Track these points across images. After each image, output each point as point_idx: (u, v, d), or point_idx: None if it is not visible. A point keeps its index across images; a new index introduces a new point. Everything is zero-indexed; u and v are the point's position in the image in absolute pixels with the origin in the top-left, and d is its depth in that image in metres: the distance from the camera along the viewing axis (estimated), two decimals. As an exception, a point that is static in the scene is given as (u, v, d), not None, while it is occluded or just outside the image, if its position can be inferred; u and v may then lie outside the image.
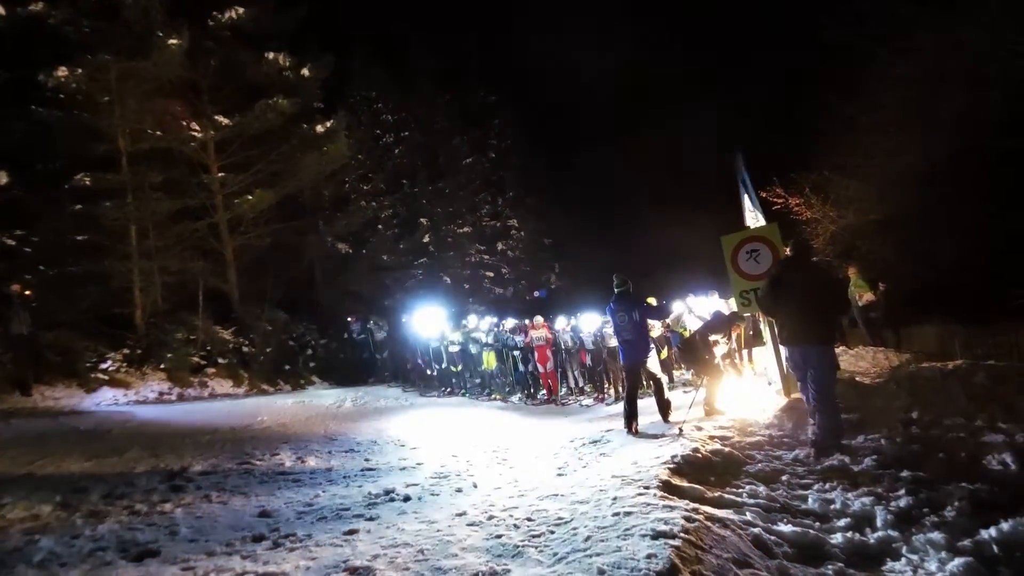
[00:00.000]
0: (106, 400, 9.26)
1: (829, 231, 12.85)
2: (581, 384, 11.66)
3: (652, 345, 6.64)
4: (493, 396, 11.81)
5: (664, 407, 6.50)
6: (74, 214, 10.75)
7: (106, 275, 11.20)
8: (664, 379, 7.00)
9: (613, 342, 10.86)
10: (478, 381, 12.72)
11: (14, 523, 3.58)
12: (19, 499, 4.02)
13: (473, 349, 12.25)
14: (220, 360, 11.90)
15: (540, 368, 11.38)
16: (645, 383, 7.42)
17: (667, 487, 3.72)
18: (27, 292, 8.89)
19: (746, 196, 7.48)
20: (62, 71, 10.46)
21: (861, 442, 4.67)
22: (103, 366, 10.09)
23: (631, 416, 6.17)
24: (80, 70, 10.64)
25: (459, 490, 4.39)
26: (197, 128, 12.88)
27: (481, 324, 12.95)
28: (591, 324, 11.59)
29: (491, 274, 23.73)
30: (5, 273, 9.48)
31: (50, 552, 3.10)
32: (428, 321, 12.96)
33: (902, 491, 3.54)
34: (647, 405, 6.89)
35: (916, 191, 11.08)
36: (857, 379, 7.08)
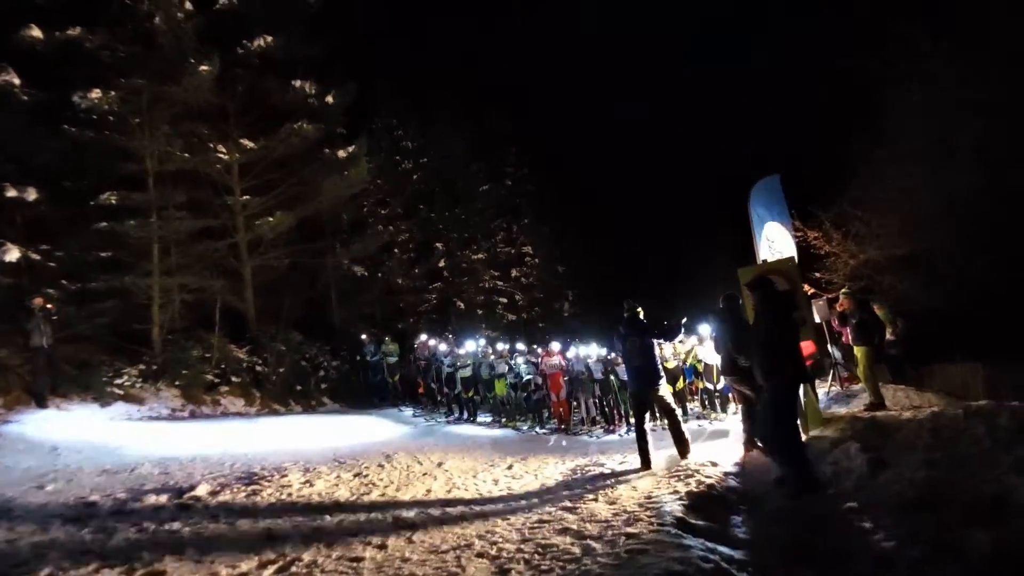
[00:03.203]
0: (120, 415, 9.32)
1: (849, 266, 12.67)
2: (594, 414, 11.53)
3: (662, 374, 6.43)
4: (504, 423, 11.72)
5: (681, 441, 6.24)
6: (99, 231, 10.98)
7: (127, 291, 11.37)
8: (678, 411, 6.84)
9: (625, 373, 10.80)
10: (489, 407, 12.65)
11: (24, 535, 3.58)
12: (30, 512, 4.04)
13: (485, 375, 12.21)
14: (234, 379, 11.96)
15: (553, 396, 11.29)
16: (659, 415, 7.25)
17: (682, 524, 3.63)
18: (49, 306, 9.03)
19: (773, 225, 7.41)
20: (96, 93, 10.81)
21: (881, 482, 4.53)
22: (118, 381, 10.18)
23: (643, 449, 6.03)
24: (113, 93, 10.99)
25: (467, 519, 4.32)
26: (223, 151, 13.20)
27: (495, 350, 12.94)
28: (599, 352, 11.55)
29: (504, 300, 23.77)
30: (29, 287, 9.67)
31: (58, 567, 3.09)
32: (441, 346, 12.97)
33: (924, 535, 3.42)
34: (663, 437, 6.76)
35: (937, 225, 10.94)
36: (878, 417, 6.91)
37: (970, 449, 5.12)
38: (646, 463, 5.94)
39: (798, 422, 4.87)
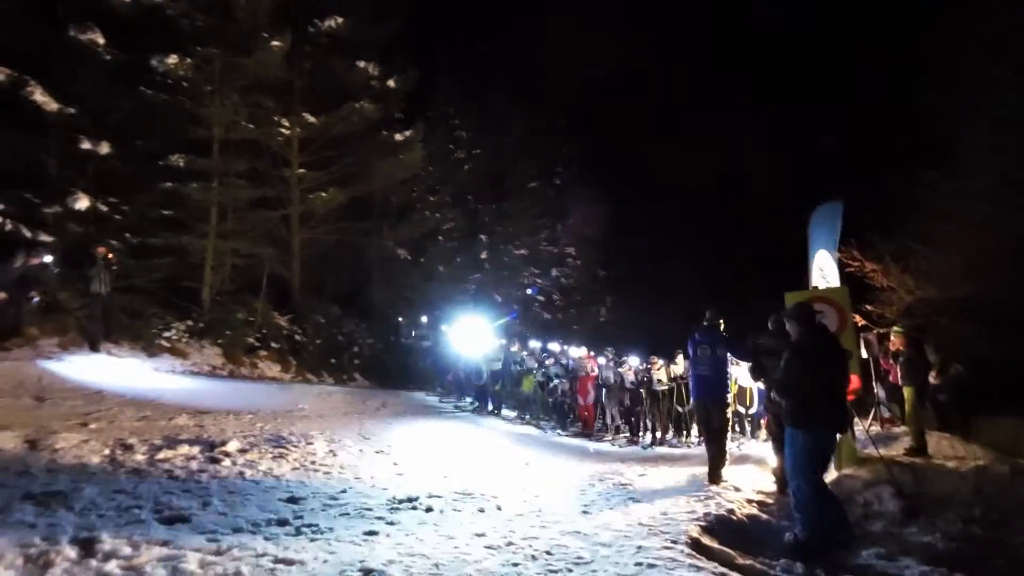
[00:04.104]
0: (164, 366, 9.76)
1: (904, 302, 12.10)
2: (618, 422, 11.41)
3: (729, 390, 6.24)
4: (528, 420, 11.72)
5: (718, 464, 5.92)
6: (164, 191, 11.52)
7: (183, 250, 11.91)
8: (729, 433, 6.57)
9: (660, 384, 10.64)
10: (514, 403, 12.67)
11: (64, 469, 3.80)
12: (71, 447, 4.28)
13: (514, 370, 12.23)
14: (273, 344, 12.38)
15: (579, 400, 11.22)
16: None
17: (696, 545, 3.56)
18: (111, 256, 9.51)
19: (824, 253, 7.14)
20: (172, 58, 11.33)
21: (912, 531, 4.34)
22: (167, 334, 10.68)
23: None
24: (189, 60, 11.50)
25: (481, 510, 4.35)
26: (286, 124, 13.63)
27: (528, 346, 12.95)
28: (634, 363, 11.41)
29: (542, 298, 23.72)
30: (95, 236, 10.22)
31: (91, 502, 3.26)
32: (473, 336, 13.04)
33: (952, 592, 3.26)
34: (686, 454, 6.64)
35: (1002, 269, 10.36)
36: (917, 463, 6.60)
37: (1013, 509, 4.85)
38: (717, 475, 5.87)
39: (827, 472, 4.50)
